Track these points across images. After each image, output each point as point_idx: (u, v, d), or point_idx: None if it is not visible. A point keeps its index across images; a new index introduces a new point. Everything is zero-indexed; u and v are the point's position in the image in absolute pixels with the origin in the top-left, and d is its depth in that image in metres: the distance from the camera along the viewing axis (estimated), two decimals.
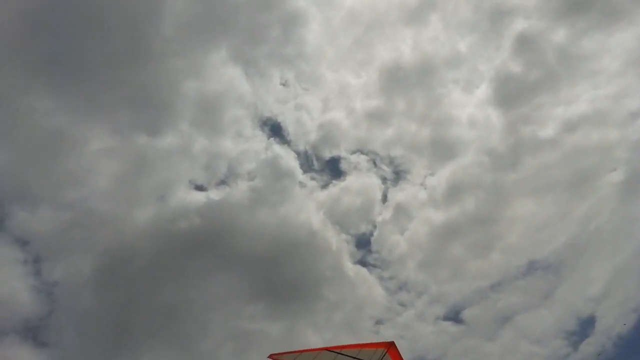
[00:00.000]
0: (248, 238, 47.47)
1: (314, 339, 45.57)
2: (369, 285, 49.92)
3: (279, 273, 48.55)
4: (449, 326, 46.39)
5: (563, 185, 47.53)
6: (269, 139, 55.61)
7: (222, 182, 51.80)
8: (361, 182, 55.63)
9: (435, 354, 44.71)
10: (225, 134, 54.43)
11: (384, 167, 55.80)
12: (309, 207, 53.12)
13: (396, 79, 56.31)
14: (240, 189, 51.78)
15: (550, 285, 44.09)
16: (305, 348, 15.24)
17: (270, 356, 15.15)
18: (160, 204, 48.42)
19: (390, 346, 13.43)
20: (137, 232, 45.59)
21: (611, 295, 41.25)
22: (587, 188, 46.57)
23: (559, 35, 49.25)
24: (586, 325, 40.45)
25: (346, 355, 13.80)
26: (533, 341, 42.75)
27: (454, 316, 46.52)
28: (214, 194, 50.60)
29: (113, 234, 44.74)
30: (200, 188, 50.55)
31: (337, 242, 51.53)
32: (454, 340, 45.65)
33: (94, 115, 48.66)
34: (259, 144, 55.31)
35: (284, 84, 58.68)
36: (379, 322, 47.42)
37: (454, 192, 51.36)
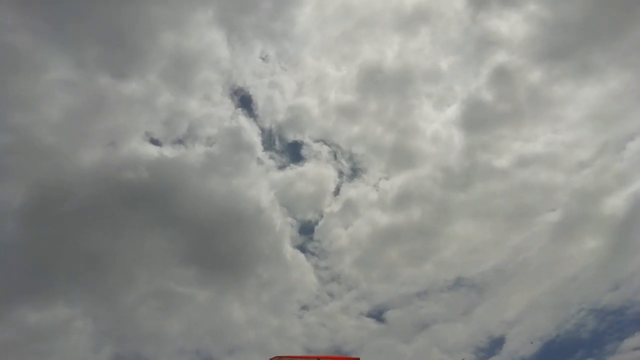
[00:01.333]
0: (193, 202, 46.97)
1: (238, 313, 45.82)
2: (303, 271, 50.78)
3: (217, 242, 48.37)
4: (371, 323, 48.11)
5: (504, 215, 50.02)
6: (236, 108, 55.12)
7: (179, 141, 50.85)
8: (318, 171, 56.23)
9: (352, 346, 46.28)
10: (193, 95, 53.34)
11: (343, 161, 56.62)
12: (261, 184, 53.15)
13: (374, 80, 57.04)
14: (196, 152, 51.06)
15: (471, 303, 46.51)
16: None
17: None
18: (110, 149, 46.93)
19: None
20: (79, 173, 43.99)
21: (522, 322, 43.99)
22: (525, 222, 49.21)
23: (534, 75, 51.44)
24: (495, 345, 43.10)
25: None
26: (444, 350, 45.06)
27: (377, 315, 48.25)
28: (168, 151, 49.61)
29: (53, 168, 43.01)
30: (155, 142, 49.43)
31: (282, 224, 51.96)
32: (373, 336, 47.46)
33: (60, 44, 46.29)
34: (225, 111, 54.67)
35: (264, 59, 58.15)
36: (304, 307, 48.40)
37: (403, 199, 52.89)
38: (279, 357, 13.94)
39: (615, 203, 45.45)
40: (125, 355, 40.68)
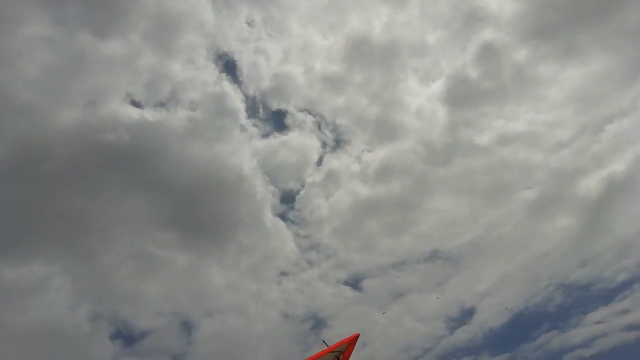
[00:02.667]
0: (174, 167, 46.76)
1: (218, 277, 46.51)
2: (283, 239, 51.44)
3: (198, 208, 48.51)
4: (347, 291, 49.35)
5: (482, 191, 50.92)
6: (220, 73, 54.27)
7: (161, 105, 50.08)
8: (302, 141, 56.20)
9: (328, 312, 47.61)
10: (176, 57, 52.25)
11: (327, 132, 56.64)
12: (244, 151, 53.01)
13: (361, 52, 56.49)
14: (179, 116, 50.44)
15: (445, 275, 47.82)
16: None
17: None
18: (90, 109, 46.02)
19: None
20: (57, 132, 43.28)
21: (493, 295, 45.49)
22: (502, 199, 50.22)
23: (520, 54, 51.54)
24: (466, 315, 44.64)
25: None
26: (417, 319, 46.56)
27: (354, 283, 49.47)
28: (150, 114, 48.86)
29: (30, 126, 42.16)
30: (136, 104, 48.54)
31: (263, 192, 52.21)
32: (349, 304, 48.82)
33: None
34: (209, 76, 53.79)
35: (250, 24, 57.00)
36: (283, 274, 49.32)
37: (384, 172, 53.36)
38: None
39: (590, 184, 46.63)
40: (103, 314, 41.28)
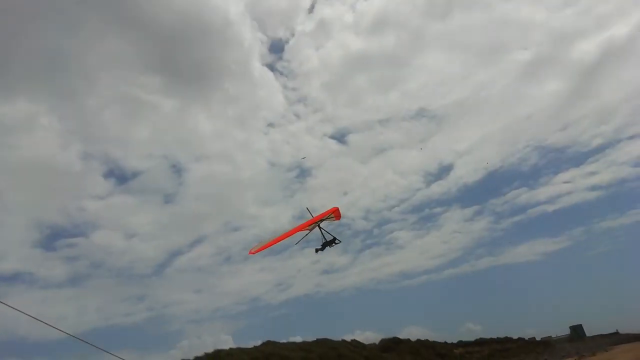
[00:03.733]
0: (155, 4, 44.46)
1: (204, 125, 47.43)
2: (271, 90, 51.50)
3: (181, 52, 47.51)
4: (333, 144, 50.97)
5: (477, 49, 49.82)
6: None
7: None
8: None
9: (313, 163, 49.75)
10: None
11: None
12: None
13: None
14: None
15: (428, 133, 48.99)
16: None
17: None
18: None
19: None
20: None
21: (472, 153, 47.08)
22: (496, 58, 49.35)
23: None
24: (443, 171, 46.75)
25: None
26: (397, 172, 48.84)
27: (340, 137, 50.90)
28: None
29: None
30: None
31: (251, 40, 50.85)
32: (333, 156, 50.84)
33: None
34: None
35: None
36: (270, 124, 50.43)
37: (379, 24, 51.54)
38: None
39: (587, 47, 45.44)
40: (94, 154, 42.85)
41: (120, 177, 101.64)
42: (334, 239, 15.75)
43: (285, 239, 14.37)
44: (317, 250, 15.73)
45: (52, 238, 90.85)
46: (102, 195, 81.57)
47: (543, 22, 45.04)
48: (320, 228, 15.65)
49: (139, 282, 74.99)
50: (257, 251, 14.11)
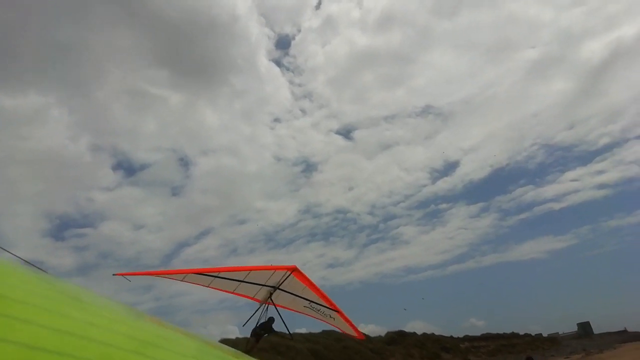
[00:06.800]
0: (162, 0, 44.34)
1: (211, 119, 47.52)
2: (277, 85, 51.35)
3: (189, 46, 47.46)
4: (338, 139, 50.76)
5: (484, 47, 49.11)
6: None
7: None
8: None
9: (319, 158, 49.68)
10: None
11: None
12: None
13: None
14: None
15: (434, 130, 48.53)
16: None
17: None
18: None
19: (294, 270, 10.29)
20: None
21: (478, 151, 46.61)
22: (503, 57, 48.63)
23: None
24: (449, 168, 46.37)
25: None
26: (402, 169, 48.54)
27: (345, 133, 50.68)
28: None
29: None
30: None
31: (258, 35, 50.59)
32: (339, 151, 50.67)
33: None
34: None
35: None
36: (276, 119, 50.39)
37: (386, 21, 50.90)
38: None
39: (595, 47, 44.49)
40: (103, 146, 43.25)
41: (128, 169, 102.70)
42: (271, 328, 10.42)
43: (164, 275, 9.86)
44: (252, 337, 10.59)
45: (61, 228, 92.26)
46: (111, 187, 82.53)
47: (551, 21, 44.52)
48: (270, 301, 10.36)
49: None
50: (126, 274, 8.79)
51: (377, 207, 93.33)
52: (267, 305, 10.53)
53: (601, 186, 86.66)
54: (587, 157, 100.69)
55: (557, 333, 78.54)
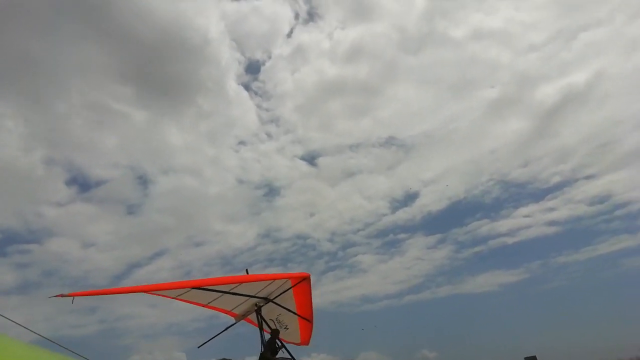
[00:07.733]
0: (135, 17, 43.70)
1: (175, 138, 46.45)
2: (245, 109, 51.22)
3: (158, 65, 46.72)
4: (303, 165, 51.03)
5: (447, 84, 51.32)
6: None
7: None
8: (274, 9, 53.52)
9: (282, 182, 49.60)
10: None
11: (301, 3, 54.19)
12: (212, 12, 50.13)
13: None
14: None
15: (396, 160, 49.77)
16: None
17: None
18: None
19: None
20: None
21: (437, 183, 48.15)
22: (464, 94, 50.99)
23: None
24: (409, 199, 47.49)
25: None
26: (364, 197, 49.21)
27: (310, 159, 51.01)
28: None
29: None
30: None
31: (229, 59, 50.57)
32: (303, 177, 50.82)
33: None
34: None
35: None
36: (242, 142, 49.98)
37: (354, 53, 52.27)
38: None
39: (548, 91, 47.58)
40: (59, 160, 41.01)
41: (83, 184, 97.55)
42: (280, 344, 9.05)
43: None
44: None
45: (3, 243, 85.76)
46: (62, 202, 77.66)
47: (509, 64, 47.69)
48: (259, 316, 9.09)
49: None
50: (75, 294, 6.70)
51: (337, 234, 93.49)
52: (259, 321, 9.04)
53: (552, 223, 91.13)
54: (539, 194, 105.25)
55: None
